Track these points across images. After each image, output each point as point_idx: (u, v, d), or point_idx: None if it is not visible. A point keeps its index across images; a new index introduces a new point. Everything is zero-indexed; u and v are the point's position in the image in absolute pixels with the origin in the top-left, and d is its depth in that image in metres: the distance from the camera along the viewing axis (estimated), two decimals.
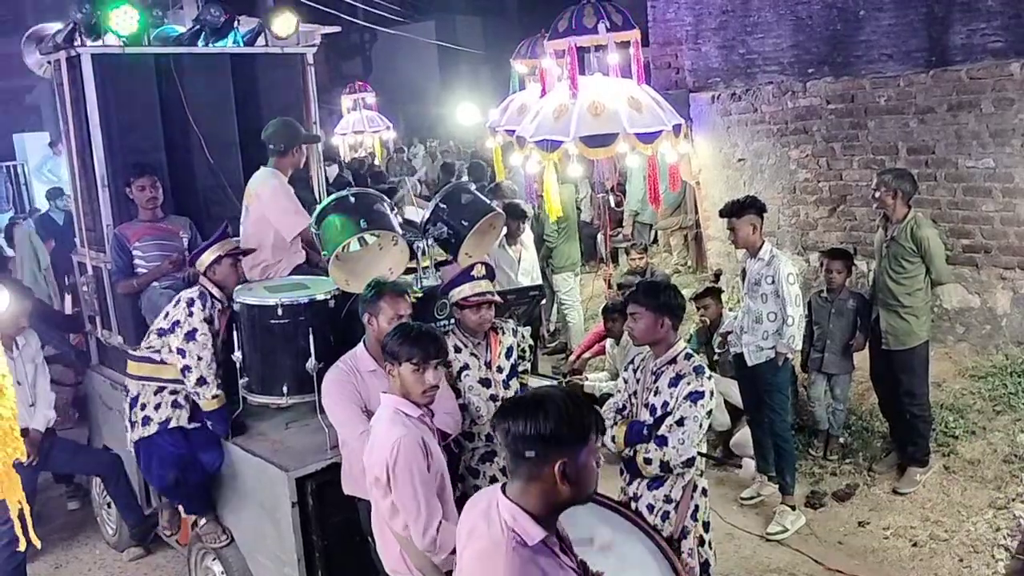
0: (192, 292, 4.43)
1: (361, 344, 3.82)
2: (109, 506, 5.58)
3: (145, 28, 5.13)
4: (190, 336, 4.31)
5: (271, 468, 4.06)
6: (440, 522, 3.10)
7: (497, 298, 4.08)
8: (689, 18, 9.38)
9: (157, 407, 4.47)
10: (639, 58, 5.94)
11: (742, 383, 5.66)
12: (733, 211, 5.30)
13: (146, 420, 4.47)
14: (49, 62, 5.52)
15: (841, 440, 6.14)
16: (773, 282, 5.18)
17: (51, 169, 13.36)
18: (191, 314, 4.33)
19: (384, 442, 3.12)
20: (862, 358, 6.08)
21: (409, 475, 3.08)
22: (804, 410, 6.28)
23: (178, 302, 4.40)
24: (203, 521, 4.55)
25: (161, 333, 4.41)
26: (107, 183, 5.19)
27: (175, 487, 4.51)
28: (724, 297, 6.86)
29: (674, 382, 3.56)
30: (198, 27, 5.40)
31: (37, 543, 2.27)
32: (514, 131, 6.28)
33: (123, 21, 5.00)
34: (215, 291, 4.45)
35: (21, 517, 2.15)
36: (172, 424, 4.45)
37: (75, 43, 5.08)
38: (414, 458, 3.10)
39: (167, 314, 4.42)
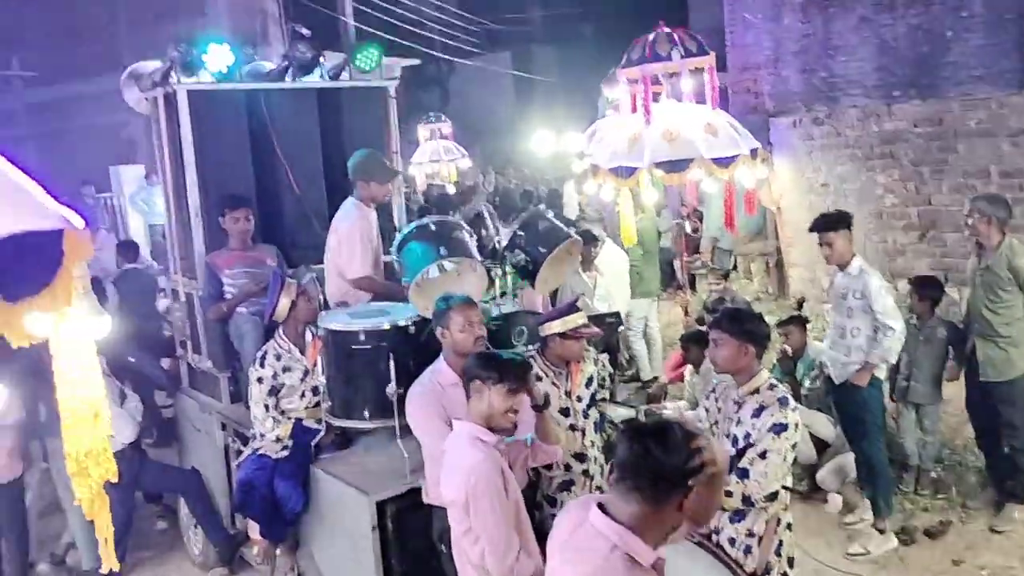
0: (264, 347, 4.70)
1: (441, 359, 3.86)
2: (196, 526, 5.73)
3: (237, 65, 5.35)
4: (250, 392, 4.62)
5: (352, 491, 4.12)
6: (518, 552, 3.09)
7: (598, 330, 4.13)
8: (768, 43, 9.30)
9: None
10: (714, 84, 5.92)
11: (835, 403, 5.53)
12: (830, 225, 5.16)
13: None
14: (147, 98, 5.78)
15: (933, 474, 5.91)
16: (861, 297, 5.05)
17: (144, 199, 13.96)
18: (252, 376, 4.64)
19: (462, 467, 3.13)
20: (957, 389, 5.85)
21: (488, 502, 3.07)
22: (894, 443, 6.07)
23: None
24: (278, 550, 4.64)
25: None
26: (200, 213, 5.40)
27: (240, 507, 4.68)
28: (808, 326, 6.68)
29: (757, 413, 3.48)
30: (286, 63, 5.60)
31: (116, 566, 2.34)
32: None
33: (216, 59, 5.24)
34: (285, 342, 4.65)
35: (106, 539, 2.23)
36: (262, 451, 4.58)
37: (171, 80, 5.31)
38: (493, 485, 3.10)
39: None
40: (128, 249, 8.73)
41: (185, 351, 5.88)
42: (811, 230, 5.28)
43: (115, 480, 2.05)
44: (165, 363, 6.36)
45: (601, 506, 2.17)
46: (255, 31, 13.44)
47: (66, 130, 17.58)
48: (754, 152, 5.68)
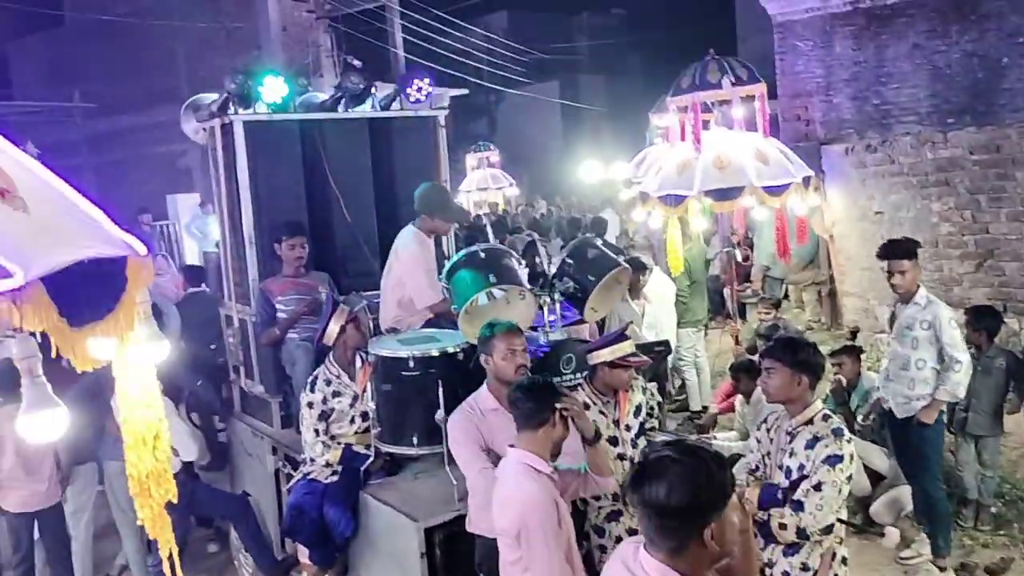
0: (314, 372, 4.73)
1: (484, 385, 3.87)
2: (247, 549, 5.78)
3: (292, 96, 5.47)
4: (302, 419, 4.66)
5: (400, 518, 4.12)
6: None
7: (646, 358, 4.12)
8: (819, 70, 9.24)
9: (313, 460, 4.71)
10: (765, 111, 5.90)
11: (892, 436, 5.37)
12: (903, 252, 4.92)
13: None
14: (204, 129, 5.93)
15: (993, 509, 5.72)
16: (928, 328, 4.89)
17: (198, 227, 14.31)
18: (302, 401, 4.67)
19: (515, 498, 3.12)
20: (1017, 423, 5.68)
21: (542, 534, 3.05)
22: (952, 476, 5.90)
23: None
24: (326, 575, 4.66)
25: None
26: (254, 240, 5.50)
27: (290, 531, 4.69)
28: (863, 356, 6.55)
29: (811, 444, 3.41)
30: (339, 94, 5.71)
31: None
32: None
33: (272, 90, 5.37)
34: (335, 368, 4.67)
35: (171, 558, 2.27)
36: (312, 476, 4.62)
37: (228, 111, 5.45)
38: (547, 516, 3.08)
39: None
40: (193, 273, 8.92)
41: (238, 376, 5.98)
42: (883, 257, 5.01)
43: (175, 501, 2.09)
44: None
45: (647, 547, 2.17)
46: (308, 63, 13.75)
47: (125, 160, 18.14)
48: (807, 180, 5.63)
